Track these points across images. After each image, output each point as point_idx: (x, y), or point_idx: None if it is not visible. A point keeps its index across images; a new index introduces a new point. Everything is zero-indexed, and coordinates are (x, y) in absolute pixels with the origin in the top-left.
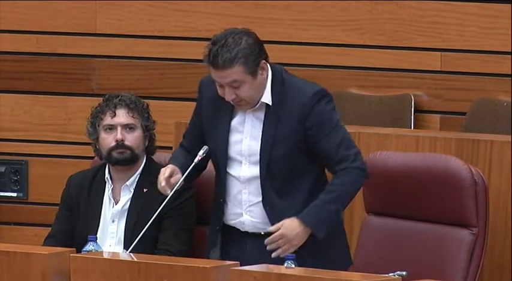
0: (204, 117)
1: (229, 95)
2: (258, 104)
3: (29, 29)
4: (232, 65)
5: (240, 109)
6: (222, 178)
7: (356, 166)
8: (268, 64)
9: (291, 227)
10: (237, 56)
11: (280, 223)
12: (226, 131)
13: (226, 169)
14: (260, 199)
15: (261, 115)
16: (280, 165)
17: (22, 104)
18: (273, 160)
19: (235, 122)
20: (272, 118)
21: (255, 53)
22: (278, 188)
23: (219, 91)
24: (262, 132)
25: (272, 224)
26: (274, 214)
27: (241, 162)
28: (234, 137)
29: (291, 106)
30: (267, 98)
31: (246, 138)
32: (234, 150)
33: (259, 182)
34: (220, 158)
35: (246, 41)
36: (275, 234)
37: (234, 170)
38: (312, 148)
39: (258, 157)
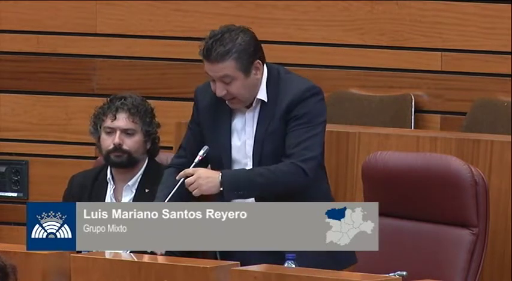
0: (203, 124)
1: (219, 91)
2: (254, 102)
3: (30, 29)
4: (225, 59)
5: (234, 107)
6: None
7: (302, 166)
8: (264, 64)
9: (207, 173)
10: (231, 51)
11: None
12: (228, 134)
13: None
14: None
15: (258, 114)
16: (270, 161)
17: (22, 104)
18: (264, 156)
19: (235, 124)
20: (266, 115)
21: (249, 51)
22: None
23: (212, 86)
24: (256, 129)
25: None
26: None
27: (247, 164)
28: (237, 141)
29: (282, 101)
30: (262, 95)
31: (248, 139)
32: (239, 153)
33: None
34: (226, 162)
35: (242, 38)
36: (191, 170)
37: None
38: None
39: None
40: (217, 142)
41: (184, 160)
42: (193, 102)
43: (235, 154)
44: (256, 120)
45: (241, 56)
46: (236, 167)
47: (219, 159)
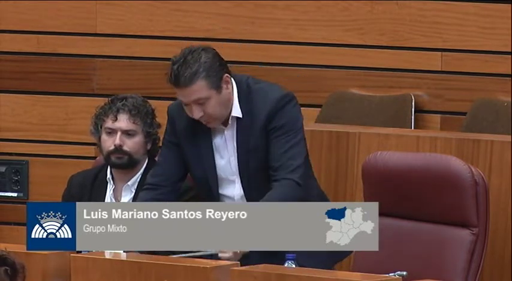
0: (183, 145)
1: (196, 113)
2: (230, 120)
3: (30, 29)
4: (195, 81)
5: (211, 126)
6: (215, 199)
7: (293, 177)
8: (231, 77)
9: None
10: (198, 71)
11: None
12: (211, 154)
13: (219, 190)
14: None
15: (236, 130)
16: (258, 176)
17: (22, 104)
18: (251, 172)
19: (216, 142)
20: (244, 131)
21: (215, 66)
22: (260, 197)
23: (186, 110)
24: (237, 146)
25: None
26: None
27: (234, 181)
28: (220, 159)
29: (258, 114)
30: (236, 111)
31: (232, 156)
32: (225, 171)
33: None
34: (212, 182)
35: (205, 56)
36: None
37: (227, 190)
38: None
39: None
40: (201, 162)
41: (162, 178)
42: (167, 121)
43: (220, 172)
44: (236, 137)
45: (209, 73)
46: (224, 184)
47: (206, 179)
